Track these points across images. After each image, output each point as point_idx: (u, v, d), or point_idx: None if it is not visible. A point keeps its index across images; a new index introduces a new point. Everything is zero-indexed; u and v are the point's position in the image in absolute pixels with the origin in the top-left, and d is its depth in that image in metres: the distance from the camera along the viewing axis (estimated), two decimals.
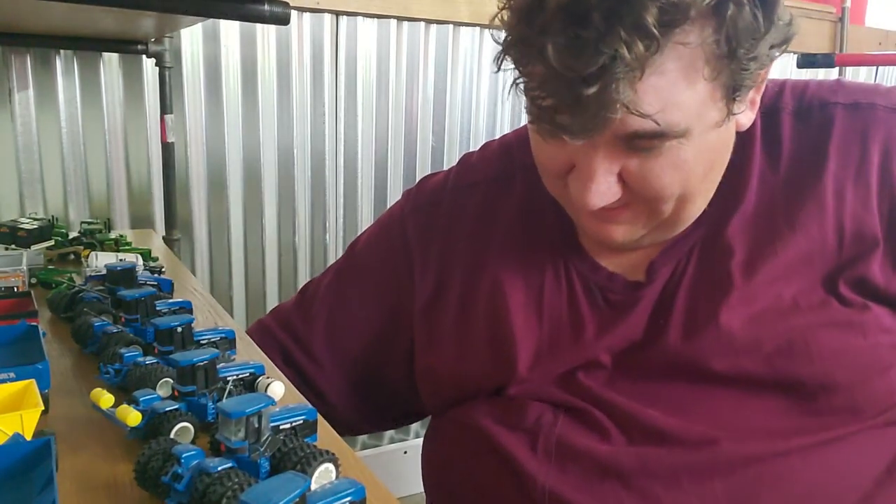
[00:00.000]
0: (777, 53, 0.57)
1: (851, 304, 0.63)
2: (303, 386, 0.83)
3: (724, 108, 0.57)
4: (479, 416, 0.72)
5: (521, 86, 0.57)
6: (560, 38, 0.50)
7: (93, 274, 0.93)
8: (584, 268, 0.71)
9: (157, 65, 1.48)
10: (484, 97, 1.95)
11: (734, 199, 0.67)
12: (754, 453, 0.62)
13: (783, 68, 2.37)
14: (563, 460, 0.66)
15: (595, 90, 0.50)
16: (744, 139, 0.68)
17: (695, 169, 0.59)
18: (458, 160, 0.85)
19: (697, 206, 0.65)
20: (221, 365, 0.64)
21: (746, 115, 0.63)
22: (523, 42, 0.55)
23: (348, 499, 0.46)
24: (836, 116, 0.67)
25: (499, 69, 0.58)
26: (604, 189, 0.59)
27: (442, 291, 0.77)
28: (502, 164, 0.80)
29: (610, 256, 0.71)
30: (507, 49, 0.57)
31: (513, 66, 0.57)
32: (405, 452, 2.00)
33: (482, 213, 0.77)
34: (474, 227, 0.77)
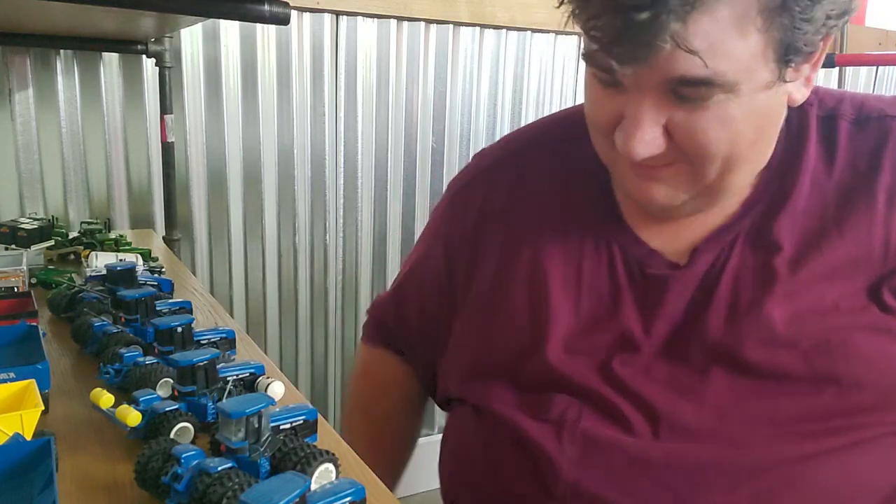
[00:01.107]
0: (833, 24, 0.57)
1: (893, 312, 0.64)
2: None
3: (775, 70, 0.57)
4: (502, 405, 0.72)
5: (580, 21, 0.58)
6: None
7: (93, 274, 0.93)
8: (625, 240, 0.71)
9: (157, 65, 1.48)
10: (484, 97, 1.94)
11: (784, 195, 0.68)
12: (783, 456, 0.63)
13: None
14: (589, 452, 0.66)
15: (646, 16, 0.52)
16: (800, 137, 0.69)
17: (742, 130, 0.59)
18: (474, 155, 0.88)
19: (741, 177, 0.65)
20: (221, 365, 0.64)
21: (800, 91, 0.63)
22: None
23: (348, 499, 0.46)
24: (893, 129, 0.68)
25: (560, 3, 0.59)
26: (649, 138, 0.59)
27: (480, 261, 0.78)
28: (546, 134, 0.81)
29: (651, 233, 0.71)
30: None
31: (572, 2, 0.58)
32: None
33: (520, 183, 0.78)
34: (514, 194, 0.78)
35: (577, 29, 0.59)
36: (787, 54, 0.56)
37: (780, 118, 0.64)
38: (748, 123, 0.59)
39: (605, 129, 0.63)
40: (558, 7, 0.59)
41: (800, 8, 0.54)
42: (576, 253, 0.72)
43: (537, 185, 0.77)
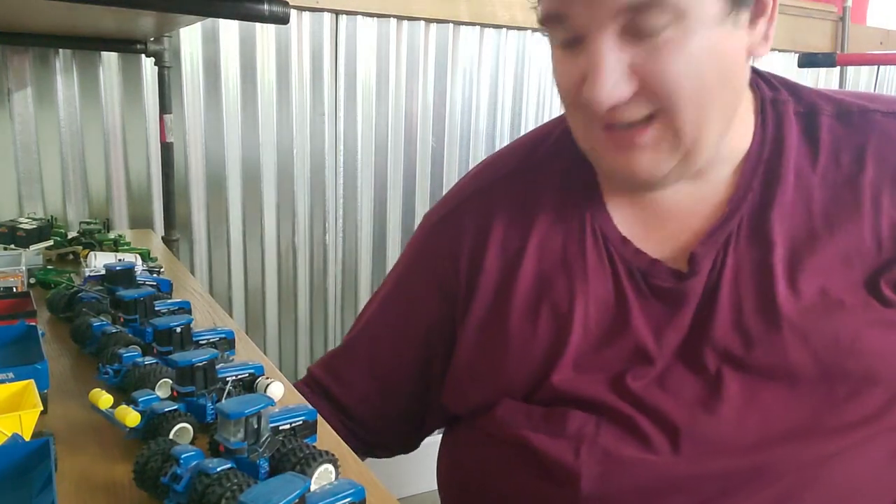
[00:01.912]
0: None
1: (893, 305, 0.64)
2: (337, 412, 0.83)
3: (723, 4, 0.59)
4: (514, 425, 0.70)
5: None
6: None
7: (92, 274, 0.93)
8: (626, 252, 0.71)
9: (156, 64, 1.48)
10: (484, 97, 1.94)
11: (771, 189, 0.68)
12: (802, 457, 0.62)
13: (784, 68, 2.37)
14: (610, 469, 0.65)
15: None
16: (779, 132, 0.69)
17: (703, 69, 0.60)
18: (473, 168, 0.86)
19: (715, 131, 0.65)
20: (220, 365, 0.64)
21: (761, 46, 0.65)
22: None
23: (348, 499, 0.46)
24: (875, 123, 0.69)
25: None
26: (611, 82, 0.60)
27: (478, 285, 0.75)
28: (528, 154, 0.80)
29: (648, 241, 0.71)
30: None
31: None
32: None
33: (510, 205, 0.77)
34: (504, 217, 0.76)
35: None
36: None
37: (741, 68, 0.65)
38: (709, 63, 0.60)
39: (574, 95, 0.64)
40: None
41: None
42: (579, 269, 0.71)
43: (529, 207, 0.75)
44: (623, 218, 0.72)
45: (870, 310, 0.64)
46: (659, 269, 0.69)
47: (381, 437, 0.87)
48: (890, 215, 0.66)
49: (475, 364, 0.75)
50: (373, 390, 0.84)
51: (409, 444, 0.90)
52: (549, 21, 0.63)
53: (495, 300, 0.74)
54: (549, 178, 0.76)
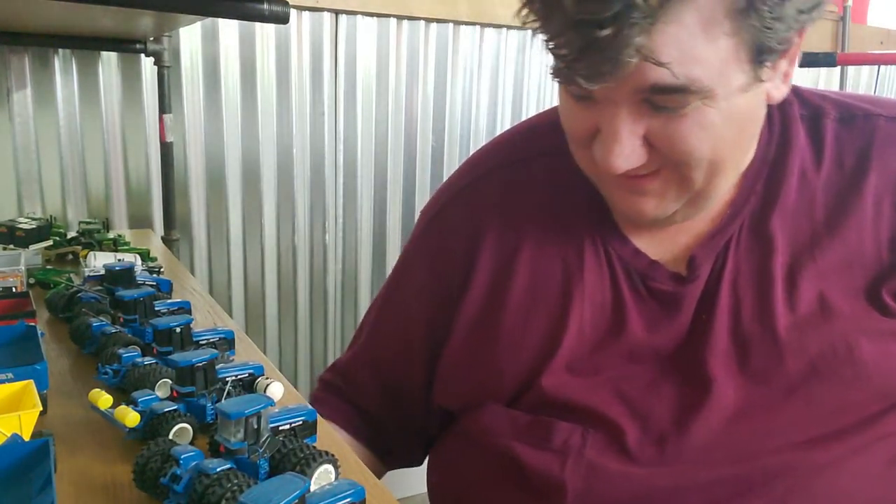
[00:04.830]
0: (807, 18, 0.56)
1: (893, 314, 0.64)
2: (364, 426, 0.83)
3: (750, 72, 0.56)
4: (498, 434, 0.69)
5: (543, 39, 0.57)
6: None
7: (91, 274, 0.93)
8: (624, 252, 0.69)
9: (155, 64, 1.48)
10: (484, 97, 1.94)
11: (774, 193, 0.67)
12: (792, 464, 0.62)
13: None
14: (595, 485, 0.64)
15: (609, 32, 0.51)
16: (784, 136, 0.68)
17: (724, 134, 0.58)
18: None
19: (728, 180, 0.64)
20: (220, 365, 0.63)
21: (779, 89, 0.62)
22: None
23: (348, 500, 0.45)
24: (879, 127, 0.68)
25: (523, 24, 0.59)
26: (628, 151, 0.57)
27: (471, 282, 0.74)
28: (515, 148, 0.78)
29: (647, 241, 0.70)
30: (529, 2, 0.59)
31: (534, 20, 0.58)
32: None
33: (501, 200, 0.75)
34: (496, 213, 0.75)
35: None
36: (761, 54, 0.55)
37: (760, 117, 0.63)
38: (729, 127, 0.58)
39: (583, 141, 0.62)
40: (521, 26, 0.59)
41: (768, 7, 0.52)
42: (575, 267, 0.70)
43: (524, 200, 0.74)
44: (622, 215, 0.71)
45: (868, 319, 0.63)
46: (658, 271, 0.69)
47: (395, 442, 0.85)
48: (891, 221, 0.65)
49: (464, 361, 0.74)
50: (382, 392, 0.83)
51: (420, 451, 0.87)
52: (561, 80, 0.59)
53: (488, 297, 0.72)
54: (543, 173, 0.75)
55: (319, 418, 0.58)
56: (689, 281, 0.67)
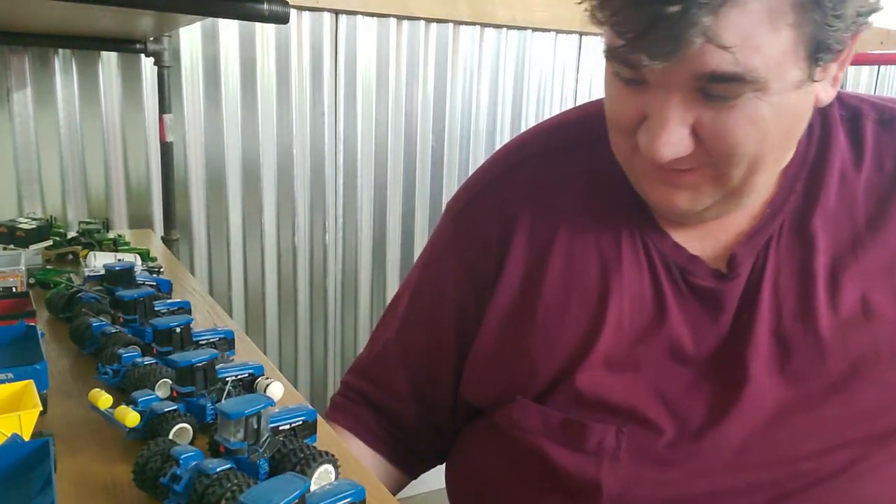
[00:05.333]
0: (862, 22, 0.56)
1: None
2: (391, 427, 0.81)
3: (805, 69, 0.56)
4: (530, 431, 0.67)
5: (603, 18, 0.56)
6: None
7: (91, 274, 0.93)
8: (664, 245, 0.68)
9: (155, 64, 1.48)
10: (484, 97, 1.94)
11: (815, 193, 0.67)
12: (831, 470, 0.62)
13: None
14: (630, 487, 0.63)
15: (676, 10, 0.50)
16: (825, 136, 0.68)
17: (771, 131, 0.58)
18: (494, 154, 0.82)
19: (765, 178, 0.63)
20: (220, 365, 0.63)
21: (827, 91, 0.61)
22: None
23: (348, 500, 0.45)
24: None
25: (579, 2, 0.57)
26: (675, 139, 0.57)
27: (504, 274, 0.72)
28: (551, 138, 0.76)
29: (687, 236, 0.68)
30: None
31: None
32: None
33: (535, 190, 0.73)
34: (530, 203, 0.73)
35: (589, 28, 0.57)
36: (818, 52, 0.55)
37: (806, 118, 0.62)
38: (777, 124, 0.57)
39: (627, 128, 0.61)
40: (580, 2, 0.57)
41: (831, 4, 0.52)
42: (612, 258, 0.68)
43: (559, 191, 0.72)
44: (655, 210, 0.69)
45: None
46: (698, 266, 0.67)
47: (419, 440, 0.83)
48: None
49: (495, 355, 0.72)
50: (412, 390, 0.81)
51: (445, 447, 0.86)
52: (617, 60, 0.58)
53: (521, 290, 0.71)
54: (578, 165, 0.73)
55: (319, 418, 0.58)
56: (730, 279, 0.66)
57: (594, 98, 0.73)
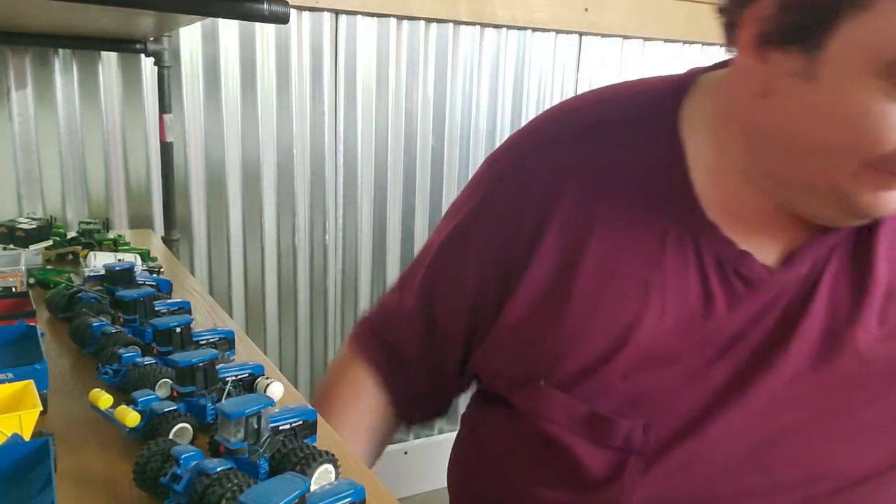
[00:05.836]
0: None
1: None
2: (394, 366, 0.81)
3: None
4: (553, 420, 0.65)
5: None
6: None
7: (91, 274, 0.93)
8: (713, 239, 0.64)
9: (155, 64, 1.48)
10: (484, 97, 1.94)
11: None
12: (858, 476, 0.61)
13: None
14: (653, 485, 0.62)
15: None
16: None
17: None
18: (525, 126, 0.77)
19: None
20: (220, 365, 0.63)
21: None
22: None
23: (348, 499, 0.45)
24: None
25: None
26: None
27: (541, 248, 0.68)
28: (610, 109, 0.71)
29: (740, 234, 0.64)
30: None
31: None
32: (405, 453, 1.99)
33: (583, 167, 0.69)
34: (575, 182, 0.68)
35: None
36: None
37: None
38: None
39: (879, 149, 0.53)
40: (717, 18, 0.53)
41: None
42: (657, 250, 0.64)
43: (606, 172, 0.67)
44: (709, 200, 0.65)
45: None
46: (750, 260, 0.64)
47: (423, 388, 0.82)
48: None
49: (517, 338, 0.69)
50: (425, 343, 0.79)
51: (441, 407, 0.85)
52: None
53: (557, 271, 0.67)
54: (626, 148, 0.68)
55: (319, 418, 0.59)
56: (783, 273, 0.64)
57: None
